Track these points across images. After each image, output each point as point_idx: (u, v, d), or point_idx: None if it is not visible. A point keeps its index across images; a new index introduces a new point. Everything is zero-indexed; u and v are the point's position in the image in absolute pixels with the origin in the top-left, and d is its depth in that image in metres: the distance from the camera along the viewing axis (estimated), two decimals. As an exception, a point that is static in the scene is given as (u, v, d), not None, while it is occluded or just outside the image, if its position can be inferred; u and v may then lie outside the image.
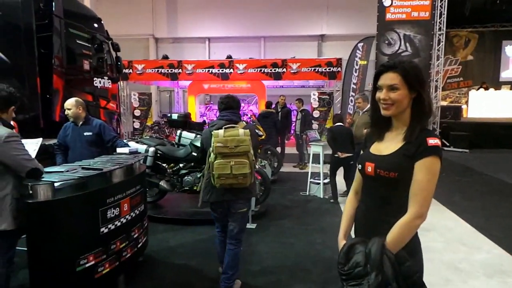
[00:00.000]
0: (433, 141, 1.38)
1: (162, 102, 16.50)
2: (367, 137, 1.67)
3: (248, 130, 2.72)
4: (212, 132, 2.74)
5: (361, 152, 1.67)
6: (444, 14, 10.56)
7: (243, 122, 2.96)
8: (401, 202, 1.40)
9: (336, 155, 5.47)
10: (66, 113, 3.73)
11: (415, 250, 1.46)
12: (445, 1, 10.49)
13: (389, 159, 1.45)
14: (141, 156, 3.49)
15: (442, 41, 10.85)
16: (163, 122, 12.62)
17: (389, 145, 1.50)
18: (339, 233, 1.66)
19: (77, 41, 6.01)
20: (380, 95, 1.46)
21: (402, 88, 1.42)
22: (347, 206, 1.70)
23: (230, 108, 2.93)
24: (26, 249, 2.37)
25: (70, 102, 3.71)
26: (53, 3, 5.42)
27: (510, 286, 3.14)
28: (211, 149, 2.73)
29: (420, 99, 1.45)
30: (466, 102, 14.90)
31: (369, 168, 1.51)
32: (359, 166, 1.57)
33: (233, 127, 2.73)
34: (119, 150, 3.61)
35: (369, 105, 5.71)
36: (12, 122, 2.62)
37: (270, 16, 15.08)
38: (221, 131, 2.69)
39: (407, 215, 1.37)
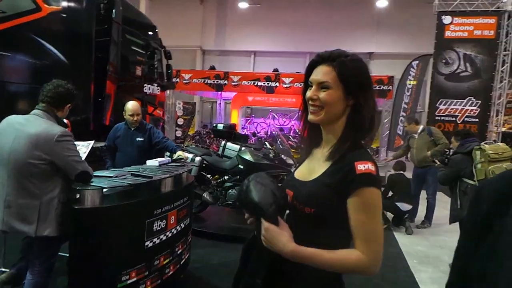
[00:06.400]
0: (362, 167, 1.04)
1: (204, 112, 16.65)
2: (302, 152, 1.32)
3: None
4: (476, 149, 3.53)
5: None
6: (511, 33, 9.78)
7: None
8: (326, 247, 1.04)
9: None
10: (133, 119, 3.60)
11: None
12: (512, 19, 9.72)
13: (308, 189, 1.12)
14: (190, 166, 3.30)
15: (507, 62, 10.02)
16: (204, 132, 12.67)
17: (315, 166, 1.17)
18: None
19: (132, 47, 6.10)
20: (308, 93, 1.14)
21: (335, 87, 1.10)
22: None
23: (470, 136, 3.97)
24: (67, 254, 2.22)
25: (137, 107, 3.61)
26: (114, 10, 5.52)
27: None
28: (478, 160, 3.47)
29: (359, 109, 1.11)
30: (528, 130, 13.70)
31: (289, 196, 1.18)
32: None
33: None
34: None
35: (422, 126, 5.34)
36: (65, 120, 2.52)
37: (316, 32, 14.85)
38: (486, 145, 3.53)
39: (364, 257, 1.02)
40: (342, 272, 1.05)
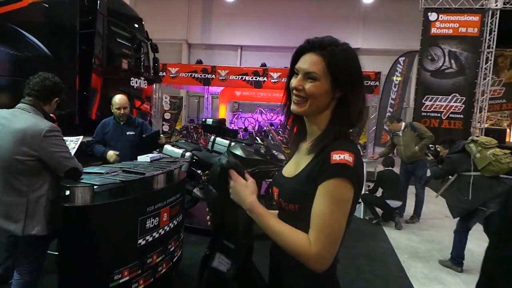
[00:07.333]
0: (338, 157, 0.97)
1: (191, 107, 16.47)
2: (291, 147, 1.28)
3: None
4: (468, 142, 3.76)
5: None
6: (494, 31, 9.97)
7: None
8: None
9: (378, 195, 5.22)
10: (120, 112, 3.50)
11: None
12: (496, 17, 9.91)
13: (291, 185, 1.09)
14: (183, 162, 3.23)
15: (491, 60, 10.24)
16: (191, 127, 12.53)
17: (299, 161, 1.12)
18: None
19: (118, 40, 5.93)
20: (293, 81, 1.07)
21: (322, 79, 1.03)
22: None
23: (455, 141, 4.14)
24: (55, 253, 2.14)
25: (124, 101, 3.49)
26: (98, 1, 5.34)
27: None
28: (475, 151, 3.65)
29: (346, 102, 1.05)
30: (509, 125, 14.11)
31: (275, 194, 1.16)
32: (271, 191, 1.23)
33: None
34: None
35: (403, 123, 5.41)
36: (51, 115, 2.41)
37: (303, 27, 14.82)
38: (475, 137, 3.84)
39: (308, 246, 0.97)
40: (284, 248, 1.01)
